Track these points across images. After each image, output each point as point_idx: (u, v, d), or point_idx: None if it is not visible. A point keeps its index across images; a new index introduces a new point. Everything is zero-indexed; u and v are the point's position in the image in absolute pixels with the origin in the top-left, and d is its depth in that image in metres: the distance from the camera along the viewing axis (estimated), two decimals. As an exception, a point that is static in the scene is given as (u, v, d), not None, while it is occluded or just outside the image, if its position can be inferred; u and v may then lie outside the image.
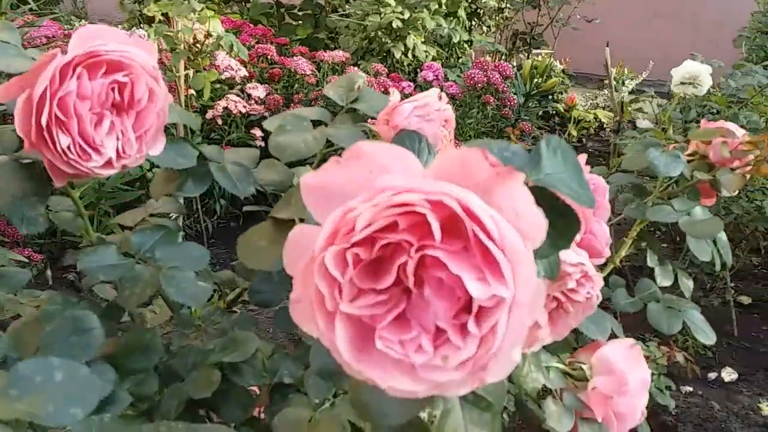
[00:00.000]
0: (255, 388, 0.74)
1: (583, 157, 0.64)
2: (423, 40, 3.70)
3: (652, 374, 1.81)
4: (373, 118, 0.76)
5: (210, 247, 2.73)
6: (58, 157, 0.55)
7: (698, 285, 2.48)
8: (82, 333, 0.57)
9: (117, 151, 0.58)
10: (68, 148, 0.55)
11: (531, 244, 0.35)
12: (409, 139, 0.49)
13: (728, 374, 2.20)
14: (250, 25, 3.67)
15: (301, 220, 0.55)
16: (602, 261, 0.65)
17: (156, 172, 0.73)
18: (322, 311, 0.35)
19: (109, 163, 0.57)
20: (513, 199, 0.35)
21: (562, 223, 0.44)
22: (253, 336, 0.65)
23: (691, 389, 2.12)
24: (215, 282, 0.81)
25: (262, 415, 0.71)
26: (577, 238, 0.61)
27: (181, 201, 2.67)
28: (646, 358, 1.83)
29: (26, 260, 2.26)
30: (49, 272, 2.39)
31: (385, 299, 0.35)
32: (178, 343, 0.69)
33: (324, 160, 0.74)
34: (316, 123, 0.77)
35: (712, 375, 2.21)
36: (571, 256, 0.57)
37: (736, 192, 1.06)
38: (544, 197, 0.43)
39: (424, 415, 0.53)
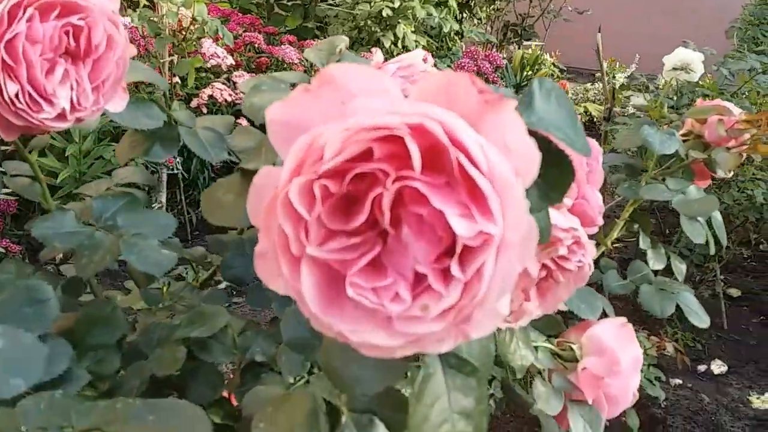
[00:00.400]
0: (231, 375, 0.70)
1: (575, 119, 0.60)
2: (413, 29, 3.66)
3: (642, 365, 1.78)
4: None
5: (194, 239, 2.68)
6: (6, 107, 0.50)
7: (687, 277, 2.45)
8: (36, 304, 0.53)
9: (71, 101, 0.53)
10: (16, 96, 0.50)
11: (522, 180, 0.31)
12: None
13: (718, 367, 2.18)
14: (239, 14, 3.61)
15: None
16: (595, 230, 0.61)
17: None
18: (286, 256, 0.31)
19: (62, 116, 0.53)
20: (503, 129, 0.31)
21: (555, 171, 0.40)
22: (222, 310, 0.60)
23: (680, 382, 2.09)
24: (188, 259, 0.76)
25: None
26: (569, 203, 0.57)
27: (164, 190, 2.61)
28: (636, 348, 1.80)
29: (3, 251, 2.20)
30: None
31: (358, 242, 0.31)
32: (143, 320, 0.65)
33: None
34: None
35: (702, 367, 2.18)
36: (561, 220, 0.53)
37: (731, 174, 1.03)
38: (535, 142, 0.39)
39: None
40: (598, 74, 3.97)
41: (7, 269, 0.58)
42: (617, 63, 4.37)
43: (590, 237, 0.63)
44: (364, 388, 0.38)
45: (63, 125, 0.53)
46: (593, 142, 0.62)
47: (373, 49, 0.68)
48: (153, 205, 2.42)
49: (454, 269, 0.29)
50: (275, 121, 0.33)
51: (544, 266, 0.55)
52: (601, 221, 0.62)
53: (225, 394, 0.66)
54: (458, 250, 0.29)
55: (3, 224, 2.34)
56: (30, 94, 0.50)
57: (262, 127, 0.69)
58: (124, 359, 0.59)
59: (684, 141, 1.03)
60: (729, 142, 1.00)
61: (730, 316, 2.43)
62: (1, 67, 0.49)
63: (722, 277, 2.48)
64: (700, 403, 2.00)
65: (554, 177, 0.40)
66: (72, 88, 0.53)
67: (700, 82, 2.37)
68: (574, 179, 0.40)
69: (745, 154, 1.02)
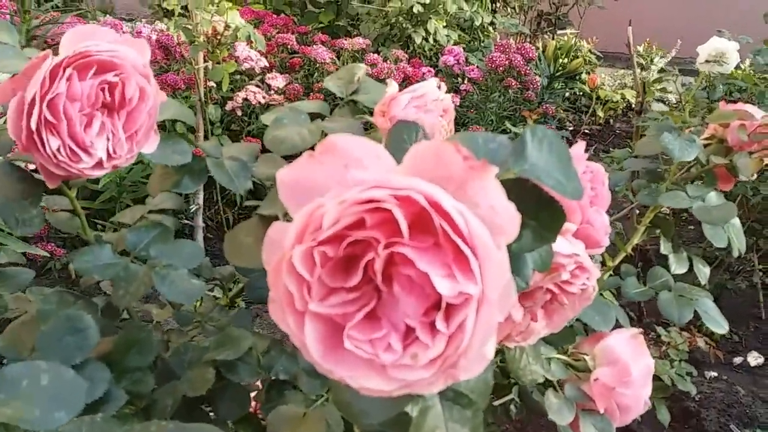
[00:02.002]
0: (259, 383, 0.74)
1: (581, 145, 0.63)
2: (444, 24, 3.67)
3: (673, 360, 1.79)
4: (373, 109, 0.76)
5: (232, 238, 2.74)
6: (49, 160, 0.55)
7: (725, 268, 2.44)
8: (77, 333, 0.58)
9: (107, 151, 0.58)
10: (58, 150, 0.55)
11: (505, 238, 0.35)
12: (405, 129, 0.48)
13: (754, 359, 2.16)
14: (273, 15, 3.66)
15: (286, 216, 0.55)
16: (601, 251, 0.63)
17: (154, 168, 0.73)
18: (291, 311, 0.35)
19: (99, 164, 0.58)
20: (486, 193, 0.35)
21: (547, 215, 0.43)
22: (247, 333, 0.65)
23: (715, 374, 2.08)
24: (216, 277, 0.81)
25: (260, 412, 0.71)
26: (573, 228, 0.60)
27: (201, 192, 2.66)
28: (668, 344, 1.81)
29: (49, 255, 2.29)
30: (71, 266, 2.42)
31: (356, 297, 0.35)
32: (176, 340, 0.70)
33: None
34: (316, 116, 0.76)
35: (738, 359, 2.17)
36: (564, 246, 0.56)
37: (754, 176, 1.04)
38: (527, 189, 0.42)
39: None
40: (635, 60, 3.92)
41: (50, 300, 0.63)
42: (654, 47, 4.31)
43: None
44: (371, 418, 0.42)
45: (100, 173, 0.58)
46: (597, 167, 0.65)
47: (388, 80, 0.72)
48: (190, 207, 2.48)
49: (439, 324, 0.33)
50: (284, 182, 0.37)
51: (548, 290, 0.58)
52: (606, 242, 0.65)
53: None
54: (443, 306, 0.33)
55: (48, 228, 2.42)
56: (70, 148, 0.55)
57: (288, 157, 0.73)
58: (158, 379, 0.64)
59: (706, 145, 1.04)
60: (751, 147, 1.01)
61: (768, 307, 2.41)
62: (43, 125, 0.54)
63: (761, 267, 2.46)
64: (735, 395, 1.99)
65: (547, 220, 0.43)
66: (108, 139, 0.58)
67: (740, 70, 2.34)
68: (564, 222, 0.43)
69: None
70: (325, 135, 0.69)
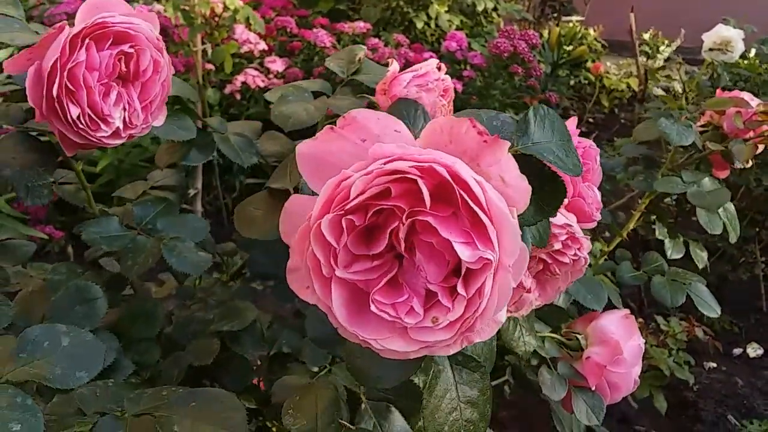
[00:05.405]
0: (258, 362, 0.77)
1: (573, 121, 0.66)
2: (446, 9, 3.69)
3: (671, 350, 1.83)
4: (373, 89, 0.78)
5: (230, 224, 2.77)
6: (69, 128, 0.58)
7: (726, 259, 2.47)
8: (87, 303, 0.61)
9: (124, 121, 0.61)
10: (78, 118, 0.57)
11: (517, 207, 0.38)
12: (405, 106, 0.52)
13: (754, 350, 2.20)
14: (271, -4, 3.67)
15: (296, 190, 0.58)
16: (593, 225, 0.67)
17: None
18: (318, 277, 0.38)
19: (116, 133, 0.61)
20: (499, 166, 0.39)
21: (549, 189, 0.47)
22: (251, 306, 0.68)
23: (714, 365, 2.12)
24: (218, 254, 0.85)
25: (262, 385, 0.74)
26: (565, 201, 0.64)
27: (200, 176, 2.69)
28: (667, 333, 1.84)
29: (47, 237, 2.31)
30: (70, 249, 2.45)
31: (379, 264, 0.39)
32: (179, 314, 0.73)
33: (325, 130, 0.77)
34: (317, 95, 0.79)
35: (738, 350, 2.21)
36: (557, 217, 0.59)
37: (749, 164, 1.06)
38: (530, 164, 0.46)
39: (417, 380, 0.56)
40: (641, 48, 3.93)
41: (59, 270, 0.66)
42: (659, 34, 4.32)
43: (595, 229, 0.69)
44: (384, 383, 0.46)
45: (117, 142, 0.61)
46: (588, 143, 0.68)
47: (390, 60, 0.74)
48: (189, 191, 2.50)
49: (460, 288, 0.37)
50: (304, 155, 0.41)
51: (541, 260, 0.62)
52: (598, 217, 0.68)
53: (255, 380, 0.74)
54: (463, 271, 0.37)
55: (46, 211, 2.44)
56: (89, 116, 0.58)
57: (290, 134, 0.77)
58: (163, 350, 0.68)
59: (702, 132, 1.08)
60: (747, 134, 1.04)
61: (770, 299, 2.44)
62: (64, 93, 0.56)
63: (763, 258, 2.49)
64: (733, 386, 2.03)
65: (548, 194, 0.47)
66: (125, 109, 0.61)
67: (746, 59, 2.36)
68: (566, 196, 0.47)
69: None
70: (330, 112, 0.72)
